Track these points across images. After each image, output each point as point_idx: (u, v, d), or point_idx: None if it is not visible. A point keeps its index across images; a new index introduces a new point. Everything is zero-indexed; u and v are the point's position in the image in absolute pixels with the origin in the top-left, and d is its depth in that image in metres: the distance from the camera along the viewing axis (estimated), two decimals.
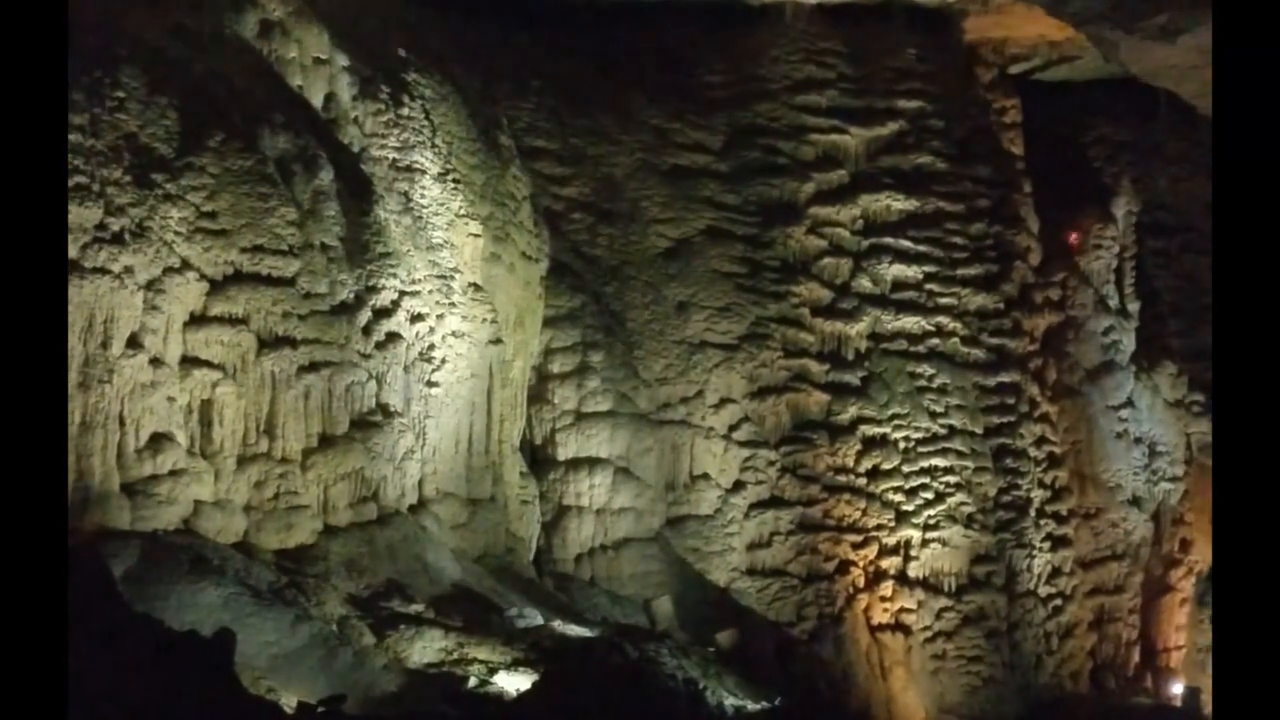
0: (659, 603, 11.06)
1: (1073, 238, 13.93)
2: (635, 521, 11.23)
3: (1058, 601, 12.66)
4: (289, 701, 6.79)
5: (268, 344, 8.30)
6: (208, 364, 8.14)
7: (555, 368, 11.12)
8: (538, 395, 11.02)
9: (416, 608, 8.38)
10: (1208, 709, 14.46)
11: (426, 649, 7.97)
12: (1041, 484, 12.75)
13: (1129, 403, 14.08)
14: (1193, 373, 14.79)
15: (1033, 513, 12.55)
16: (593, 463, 11.10)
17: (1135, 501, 13.98)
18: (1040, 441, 12.84)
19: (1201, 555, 15.08)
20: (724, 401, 11.58)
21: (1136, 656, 13.88)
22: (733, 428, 11.57)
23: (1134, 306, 14.40)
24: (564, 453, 11.08)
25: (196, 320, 8.13)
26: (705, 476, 11.45)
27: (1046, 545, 12.63)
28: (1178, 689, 14.20)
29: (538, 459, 11.04)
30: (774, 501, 11.55)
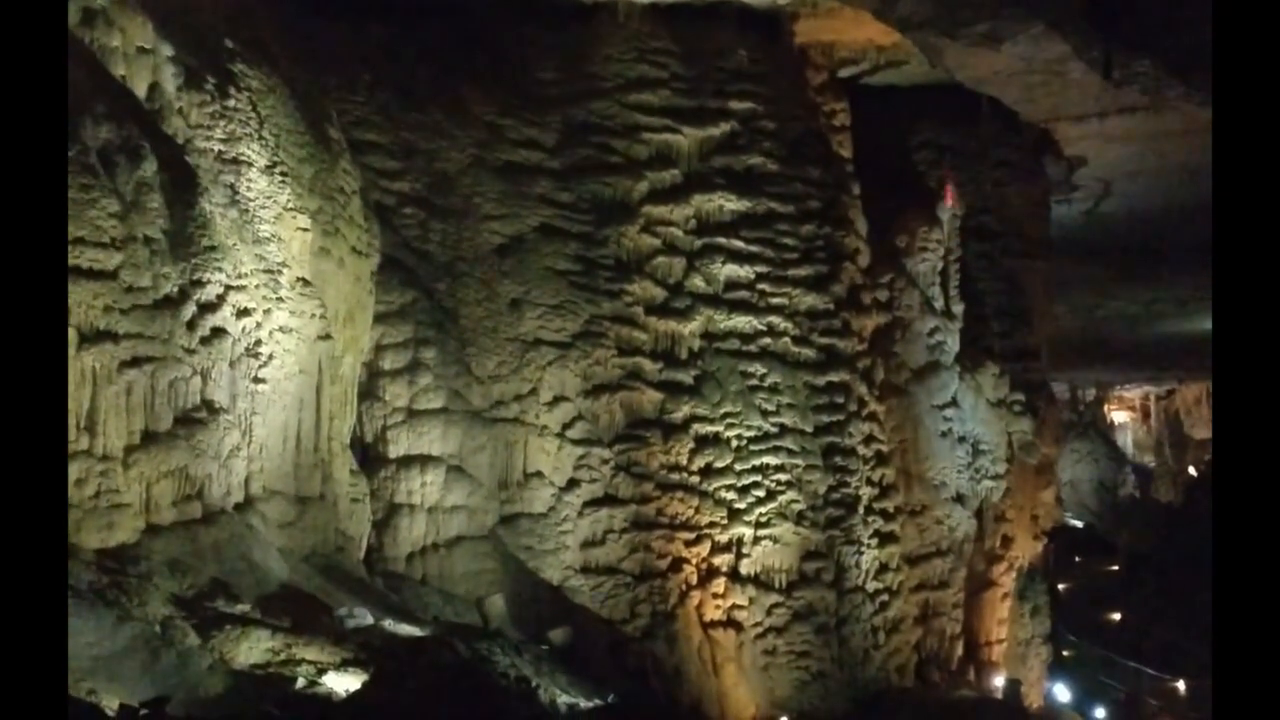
0: (491, 601, 11.18)
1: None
2: (468, 520, 11.27)
3: (884, 597, 13.05)
4: (110, 704, 6.72)
5: (88, 338, 8.12)
6: None
7: (386, 364, 11.08)
8: (368, 392, 10.96)
9: (243, 608, 8.30)
10: (1027, 700, 15.59)
11: (253, 650, 7.88)
12: (870, 481, 13.10)
13: (953, 402, 14.64)
14: (1013, 373, 15.55)
15: (861, 510, 12.87)
16: (425, 460, 11.09)
17: (959, 499, 14.59)
18: (869, 440, 13.19)
19: (1021, 551, 16.05)
20: (558, 399, 11.66)
21: (960, 650, 14.45)
22: (566, 425, 11.65)
23: (958, 308, 14.96)
24: (395, 450, 11.04)
25: None
26: (539, 474, 11.54)
27: (874, 542, 12.98)
28: (999, 681, 15.01)
29: (369, 456, 10.97)
30: (607, 499, 11.65)
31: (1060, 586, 23.51)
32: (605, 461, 11.74)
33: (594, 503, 11.66)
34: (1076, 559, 30.32)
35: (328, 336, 10.09)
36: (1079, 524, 34.74)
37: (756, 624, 12.08)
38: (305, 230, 10.01)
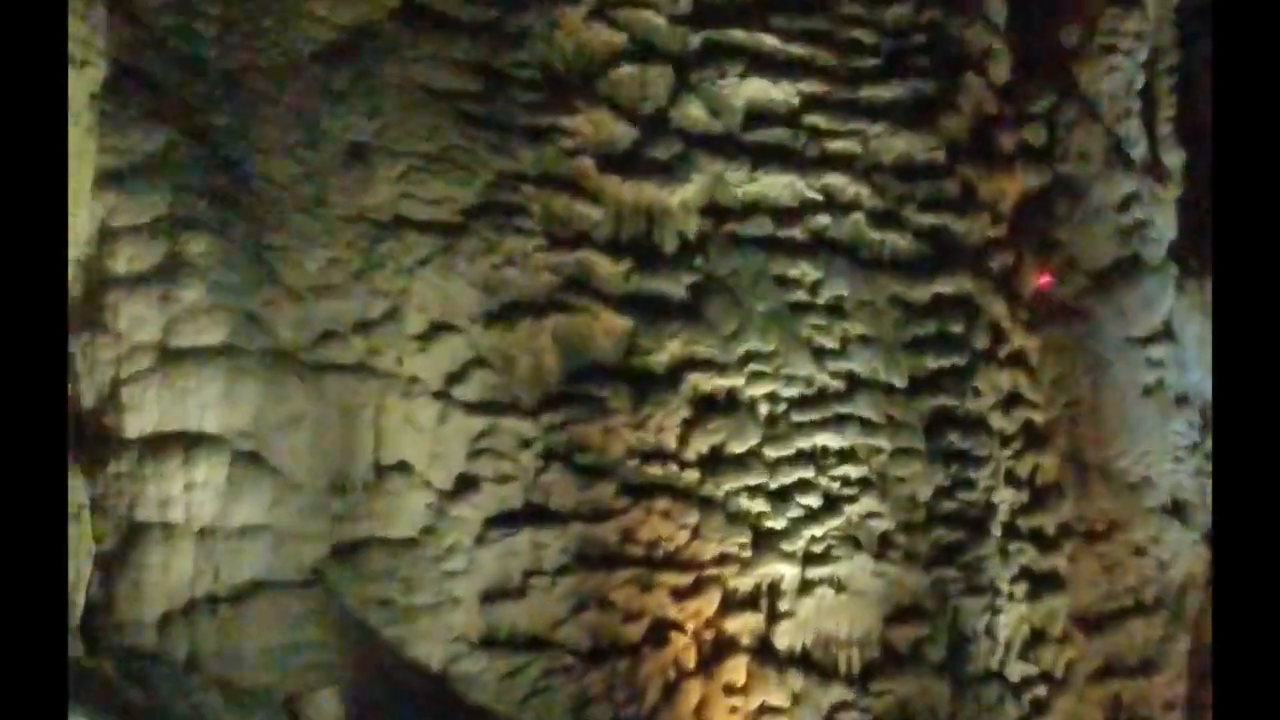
0: (317, 704, 10.73)
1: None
2: (273, 552, 10.84)
3: (1041, 691, 12.80)
4: None
5: None
6: None
7: (120, 265, 10.58)
8: (88, 317, 10.47)
9: None
10: None
11: None
12: (1012, 479, 12.94)
13: (1166, 333, 14.19)
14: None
15: (997, 531, 12.71)
16: (192, 442, 10.60)
17: (1178, 509, 14.06)
18: (1010, 403, 13.01)
19: None
20: (437, 329, 11.30)
21: None
22: (453, 378, 11.33)
23: (1175, 159, 14.55)
24: (137, 424, 10.56)
25: None
26: (403, 467, 11.17)
27: (1021, 590, 12.81)
28: None
29: (87, 436, 10.52)
30: (531, 513, 11.44)
31: None
32: (526, 443, 11.49)
33: (506, 519, 11.38)
34: None
35: None
36: None
37: None
38: None
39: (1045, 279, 14.24)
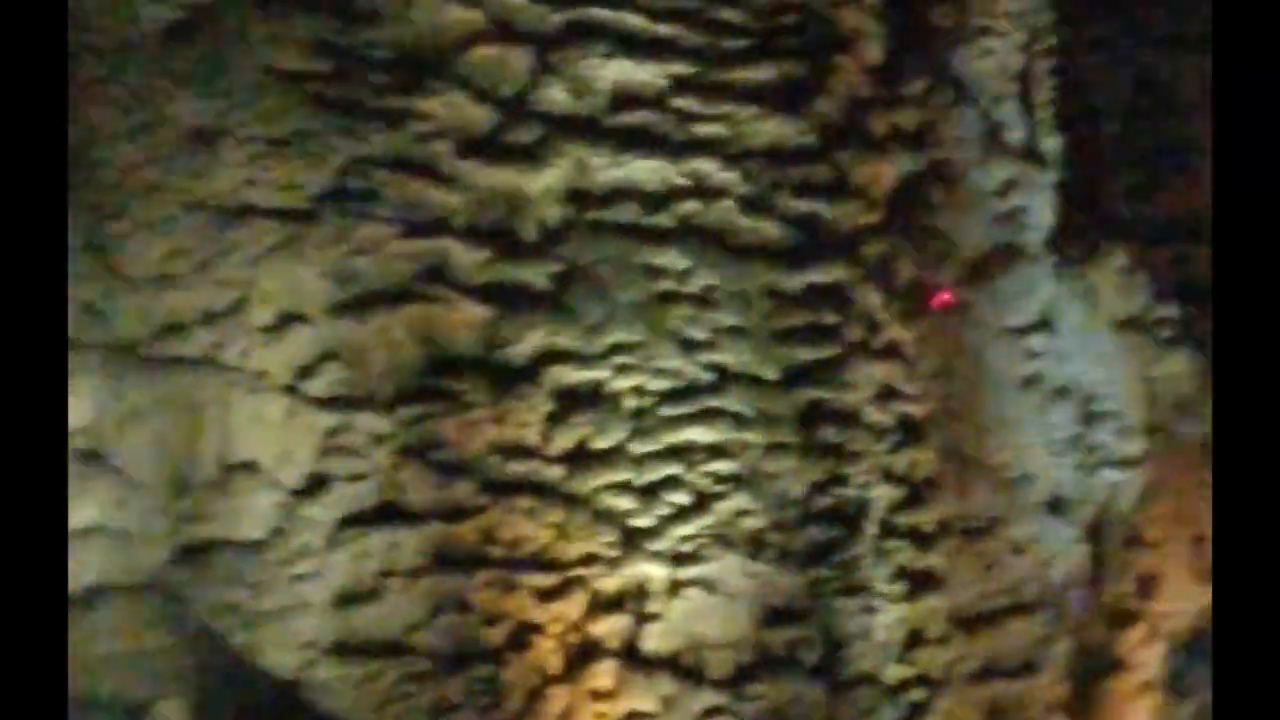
0: (161, 714, 11.18)
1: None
2: (111, 555, 11.18)
3: (918, 694, 13.19)
4: None
5: None
6: None
7: None
8: None
9: None
10: None
11: None
12: (888, 475, 13.29)
13: (1044, 323, 14.68)
14: (1158, 266, 15.66)
15: (872, 529, 13.06)
16: None
17: (1057, 505, 14.67)
18: (885, 395, 13.31)
19: (1175, 604, 16.07)
20: (285, 320, 11.61)
21: None
22: (303, 371, 11.64)
23: (1053, 144, 15.01)
24: None
25: None
26: (250, 466, 11.50)
27: (898, 589, 13.16)
28: None
29: None
30: (386, 513, 11.69)
31: None
32: (380, 440, 11.74)
33: (359, 519, 11.67)
34: None
35: None
36: None
37: None
38: None
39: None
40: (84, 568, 11.23)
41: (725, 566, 12.52)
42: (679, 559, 12.42)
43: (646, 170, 12.78)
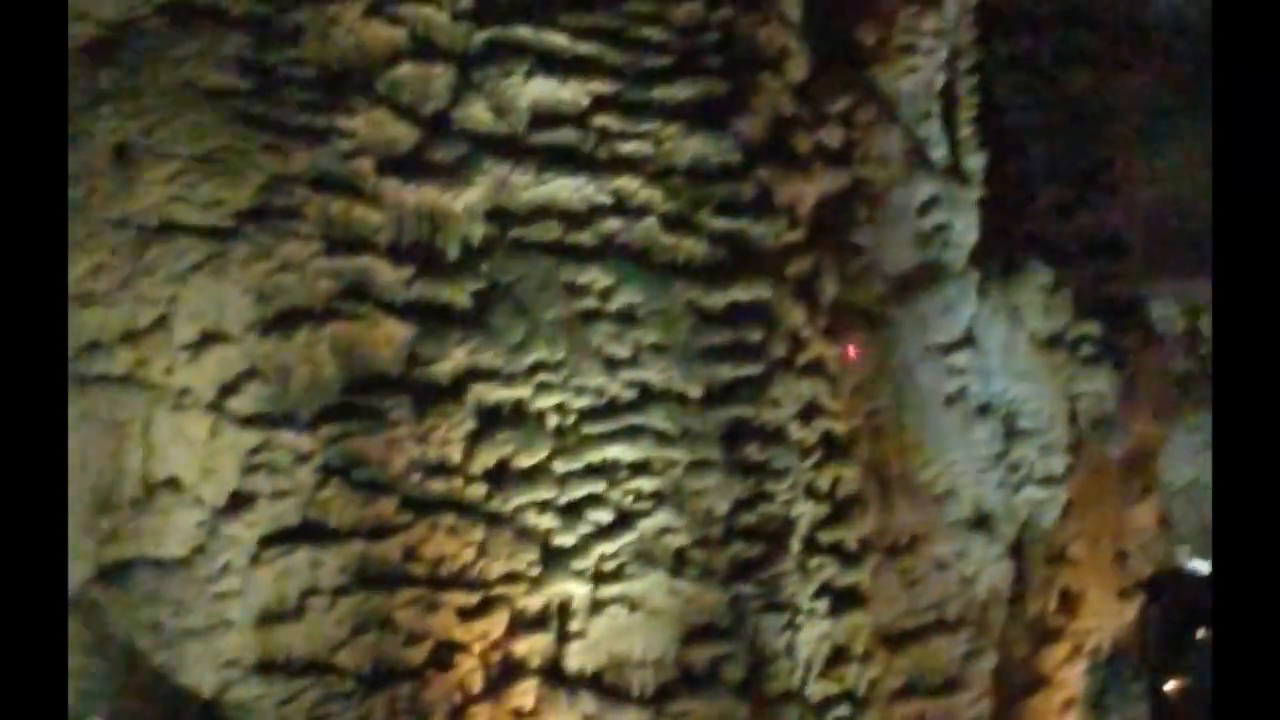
0: None
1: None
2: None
3: (843, 710, 13.19)
4: None
5: None
6: None
7: None
8: None
9: None
10: None
11: None
12: (812, 492, 13.31)
13: (968, 339, 14.83)
14: (1081, 284, 15.73)
15: (796, 546, 13.08)
16: None
17: (981, 522, 14.82)
18: (809, 413, 13.34)
19: (1098, 620, 16.21)
20: (208, 338, 11.62)
21: None
22: (226, 389, 11.63)
23: (976, 162, 15.14)
24: None
25: None
26: (173, 483, 11.51)
27: (822, 606, 13.19)
28: None
29: None
30: (309, 531, 11.68)
31: (1171, 687, 23.81)
32: (303, 458, 11.74)
33: (282, 536, 11.66)
34: (1201, 634, 30.79)
35: None
36: (1205, 567, 35.33)
37: None
38: None
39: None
40: None
41: (648, 584, 12.50)
42: (601, 577, 12.41)
43: (569, 188, 12.80)
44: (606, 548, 12.45)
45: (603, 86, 12.96)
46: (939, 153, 15.08)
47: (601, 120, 12.95)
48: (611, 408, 12.60)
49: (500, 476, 12.28)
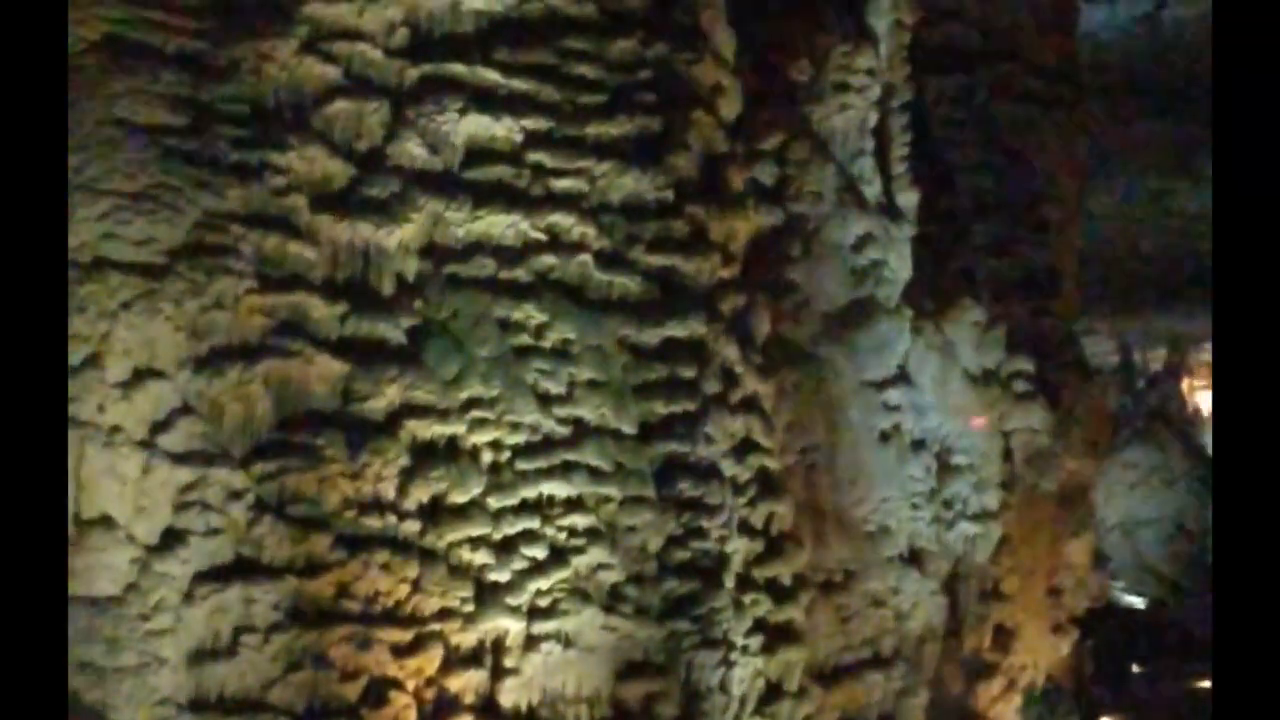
0: None
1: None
2: None
3: None
4: None
5: None
6: None
7: None
8: None
9: None
10: None
11: None
12: (746, 528, 13.39)
13: (902, 376, 14.98)
14: (1014, 321, 15.85)
15: (730, 582, 13.13)
16: None
17: (914, 557, 14.94)
18: (743, 449, 13.43)
19: (1032, 655, 16.37)
20: (140, 375, 11.61)
21: None
22: (158, 426, 11.62)
23: (909, 199, 15.29)
24: None
25: None
26: (105, 521, 11.48)
27: (756, 642, 13.23)
28: None
29: None
30: (242, 568, 11.65)
31: None
32: (236, 495, 11.73)
33: (215, 574, 11.63)
34: (1136, 668, 30.95)
35: None
36: (1139, 602, 35.54)
37: None
38: None
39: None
40: None
41: (582, 621, 12.56)
42: (535, 613, 12.44)
43: (503, 224, 12.89)
44: (541, 584, 12.47)
45: (537, 123, 13.05)
46: (872, 190, 15.22)
47: (535, 156, 13.04)
48: (546, 444, 12.65)
49: (434, 513, 12.28)
